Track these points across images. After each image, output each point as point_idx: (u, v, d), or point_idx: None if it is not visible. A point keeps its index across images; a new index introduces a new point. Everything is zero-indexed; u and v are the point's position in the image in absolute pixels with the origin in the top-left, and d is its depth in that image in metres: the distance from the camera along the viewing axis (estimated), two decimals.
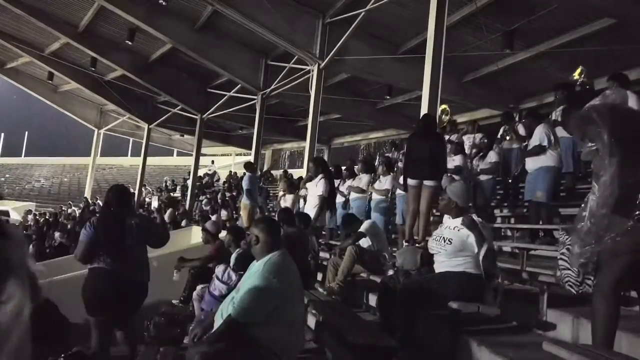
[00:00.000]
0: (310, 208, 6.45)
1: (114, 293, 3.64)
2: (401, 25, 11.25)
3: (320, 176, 6.46)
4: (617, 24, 8.96)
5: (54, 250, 13.62)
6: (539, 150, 5.55)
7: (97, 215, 4.14)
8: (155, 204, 19.72)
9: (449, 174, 6.49)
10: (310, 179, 6.84)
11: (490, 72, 12.11)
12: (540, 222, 5.56)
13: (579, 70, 7.39)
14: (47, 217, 20.73)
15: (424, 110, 7.20)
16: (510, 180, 7.56)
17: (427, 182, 5.60)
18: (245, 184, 9.77)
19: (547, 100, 12.10)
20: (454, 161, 7.26)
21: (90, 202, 22.34)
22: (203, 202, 17.78)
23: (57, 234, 16.00)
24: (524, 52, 10.96)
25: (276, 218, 5.74)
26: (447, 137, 8.44)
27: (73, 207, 22.74)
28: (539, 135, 5.60)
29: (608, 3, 8.22)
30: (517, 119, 9.61)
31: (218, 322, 2.89)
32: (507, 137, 7.57)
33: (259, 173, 17.20)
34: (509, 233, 6.61)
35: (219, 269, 4.83)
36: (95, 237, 3.70)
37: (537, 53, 10.86)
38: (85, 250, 3.72)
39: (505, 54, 11.00)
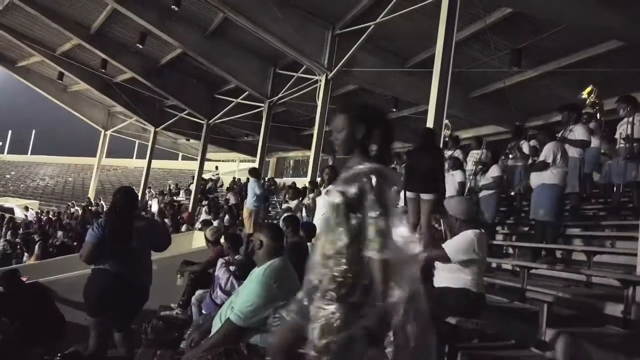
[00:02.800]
0: (319, 219, 6.36)
1: (116, 295, 3.65)
2: (410, 39, 11.32)
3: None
4: (625, 47, 8.99)
5: (56, 250, 13.63)
6: (542, 166, 5.56)
7: (104, 216, 4.15)
8: (155, 207, 19.73)
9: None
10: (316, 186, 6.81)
11: (497, 89, 12.13)
12: (544, 242, 5.55)
13: (588, 89, 7.30)
14: (50, 216, 20.79)
15: (429, 124, 7.22)
16: (512, 193, 7.52)
17: (424, 196, 5.61)
18: (254, 189, 9.81)
19: (553, 119, 12.10)
20: (453, 176, 7.26)
21: (92, 202, 22.39)
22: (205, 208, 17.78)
23: (59, 233, 16.03)
24: (532, 71, 11.00)
25: (281, 225, 5.74)
26: (449, 152, 8.43)
27: (76, 207, 22.81)
28: (546, 151, 5.61)
29: (616, 25, 8.25)
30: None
31: (216, 327, 2.89)
32: (511, 156, 7.55)
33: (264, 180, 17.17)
34: (510, 251, 6.59)
35: (220, 273, 4.82)
36: (102, 239, 3.72)
37: (545, 72, 10.89)
38: (91, 251, 3.73)
39: (513, 72, 11.03)
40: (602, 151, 7.31)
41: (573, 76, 10.44)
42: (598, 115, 7.19)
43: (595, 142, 7.02)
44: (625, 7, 7.86)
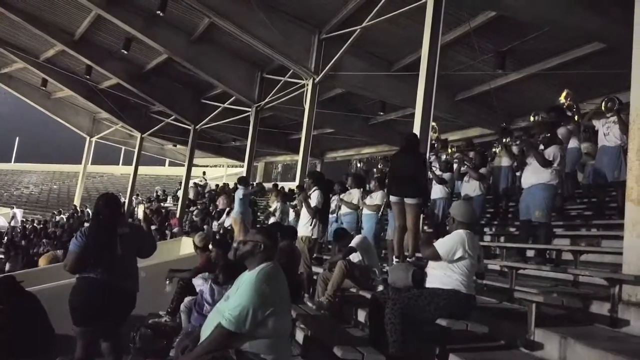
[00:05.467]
0: (303, 222, 6.40)
1: (102, 303, 3.60)
2: (396, 43, 11.39)
3: (313, 188, 6.47)
4: (607, 48, 9.15)
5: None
6: (545, 163, 5.54)
7: (88, 224, 4.08)
8: (140, 213, 19.57)
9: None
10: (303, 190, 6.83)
11: (482, 92, 12.26)
12: (530, 242, 5.60)
13: (564, 94, 7.45)
14: (35, 225, 20.49)
15: (416, 127, 7.27)
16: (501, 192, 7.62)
17: (407, 200, 5.66)
18: (240, 197, 9.80)
19: None
20: (443, 178, 7.35)
21: (78, 209, 22.10)
22: (194, 213, 17.65)
23: (45, 242, 15.82)
24: (516, 73, 11.13)
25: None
26: (434, 155, 8.46)
27: (62, 215, 22.51)
28: (553, 152, 5.62)
29: (598, 28, 8.39)
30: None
31: (205, 334, 2.84)
32: (497, 151, 7.64)
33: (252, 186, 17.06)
34: (497, 252, 6.63)
35: (204, 288, 4.73)
36: (86, 247, 3.66)
37: (529, 74, 11.03)
38: (76, 260, 3.67)
39: (498, 74, 11.16)
40: (585, 152, 7.42)
41: (556, 78, 10.59)
42: (576, 117, 7.32)
43: (574, 143, 7.13)
44: (606, 10, 8.00)
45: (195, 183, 22.14)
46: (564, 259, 5.41)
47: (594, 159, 6.82)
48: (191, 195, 19.78)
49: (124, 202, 20.46)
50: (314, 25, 11.70)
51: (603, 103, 6.41)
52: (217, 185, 21.15)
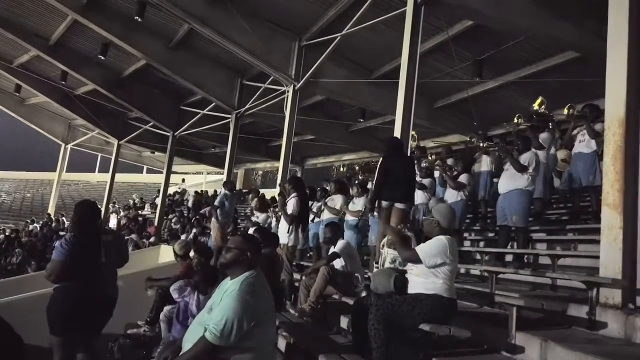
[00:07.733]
0: (282, 228, 6.38)
1: (85, 311, 3.52)
2: (376, 51, 11.49)
3: (292, 195, 6.43)
4: (581, 57, 9.39)
5: (15, 267, 13.09)
6: (521, 169, 5.69)
7: (72, 232, 3.93)
8: (113, 222, 19.21)
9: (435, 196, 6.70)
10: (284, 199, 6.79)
11: (460, 99, 12.44)
12: (510, 246, 5.68)
13: (538, 101, 7.61)
14: (7, 234, 19.94)
15: (396, 134, 7.32)
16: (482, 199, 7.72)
17: (398, 205, 5.68)
18: (219, 202, 9.72)
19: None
20: (423, 183, 7.43)
21: (52, 218, 21.58)
22: (172, 221, 17.44)
23: (17, 251, 15.41)
24: (493, 81, 11.33)
25: None
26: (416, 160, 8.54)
27: (35, 224, 21.93)
28: (528, 158, 5.77)
29: (573, 37, 8.60)
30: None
31: (186, 346, 2.78)
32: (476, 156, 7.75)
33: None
34: (477, 257, 6.71)
35: (188, 299, 4.62)
36: (72, 255, 3.56)
37: (505, 82, 11.24)
38: (62, 269, 3.56)
39: (475, 82, 11.34)
40: (563, 157, 7.58)
41: (532, 86, 10.80)
42: (550, 124, 7.51)
43: (551, 149, 7.33)
44: (579, 20, 8.22)
45: (195, 191, 21.85)
46: (542, 263, 5.50)
47: (569, 164, 6.98)
48: (190, 204, 19.41)
49: (101, 210, 20.07)
50: (294, 32, 11.73)
51: (565, 110, 6.66)
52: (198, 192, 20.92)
